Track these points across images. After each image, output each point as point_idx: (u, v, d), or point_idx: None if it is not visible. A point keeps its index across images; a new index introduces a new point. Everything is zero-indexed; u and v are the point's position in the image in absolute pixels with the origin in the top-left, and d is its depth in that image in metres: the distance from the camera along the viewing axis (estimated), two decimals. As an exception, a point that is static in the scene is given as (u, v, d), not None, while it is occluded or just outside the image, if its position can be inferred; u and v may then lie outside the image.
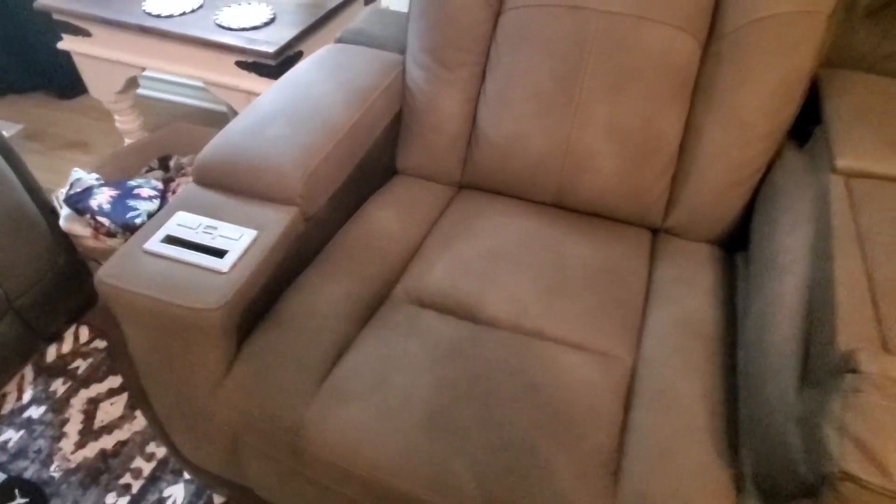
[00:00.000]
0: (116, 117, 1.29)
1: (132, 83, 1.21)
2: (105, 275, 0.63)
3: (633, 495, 0.56)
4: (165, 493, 1.00)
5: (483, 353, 0.68)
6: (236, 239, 0.67)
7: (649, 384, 0.67)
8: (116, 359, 0.75)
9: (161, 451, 1.05)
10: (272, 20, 1.05)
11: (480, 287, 0.76)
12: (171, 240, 0.67)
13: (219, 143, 0.76)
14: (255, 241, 0.67)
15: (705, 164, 0.82)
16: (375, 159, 0.91)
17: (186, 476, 1.02)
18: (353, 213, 0.87)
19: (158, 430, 0.81)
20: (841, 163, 0.69)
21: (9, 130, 1.70)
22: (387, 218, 0.86)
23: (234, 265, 0.64)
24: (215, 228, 0.68)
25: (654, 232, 0.91)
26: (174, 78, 1.66)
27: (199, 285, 0.62)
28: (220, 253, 0.65)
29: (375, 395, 0.63)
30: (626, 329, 0.74)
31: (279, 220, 0.70)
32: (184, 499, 0.99)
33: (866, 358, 0.46)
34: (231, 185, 0.73)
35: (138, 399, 0.77)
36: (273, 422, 0.64)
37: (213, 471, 0.84)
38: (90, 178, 1.04)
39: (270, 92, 0.84)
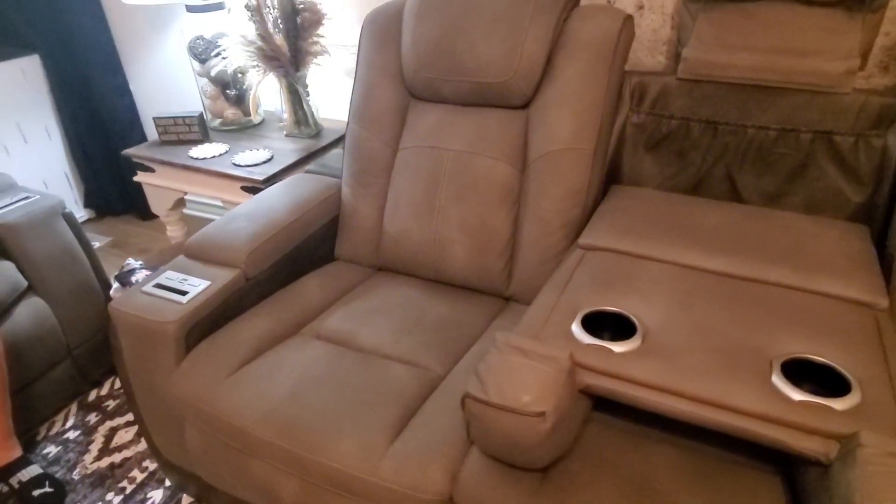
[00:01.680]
0: (168, 228, 1.81)
1: (180, 203, 1.73)
2: (115, 303, 1.05)
3: (397, 453, 0.86)
4: (149, 496, 1.32)
5: (343, 363, 1.02)
6: (196, 286, 1.08)
7: (448, 389, 0.97)
8: (117, 364, 1.13)
9: (152, 465, 1.39)
10: (270, 160, 1.56)
11: (358, 328, 1.11)
12: (158, 286, 1.09)
13: (201, 232, 1.20)
14: (206, 287, 1.08)
15: (526, 249, 1.17)
16: (315, 248, 1.32)
17: (167, 483, 1.34)
18: (291, 281, 1.26)
19: (141, 425, 1.17)
20: (582, 241, 1.02)
21: (101, 241, 2.30)
22: (313, 286, 1.25)
23: (190, 300, 1.04)
24: (186, 280, 1.10)
25: (507, 299, 1.23)
26: (209, 201, 2.22)
27: (165, 310, 1.02)
28: (183, 293, 1.06)
29: (261, 383, 0.98)
30: (448, 355, 1.05)
31: (225, 276, 1.11)
32: (161, 499, 1.31)
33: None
34: (203, 255, 1.16)
35: (128, 397, 1.14)
36: (197, 399, 0.99)
37: (175, 462, 1.17)
38: (136, 264, 1.52)
39: (246, 203, 1.29)
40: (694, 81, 1.17)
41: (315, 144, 1.64)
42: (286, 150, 1.62)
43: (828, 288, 0.89)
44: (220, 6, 1.66)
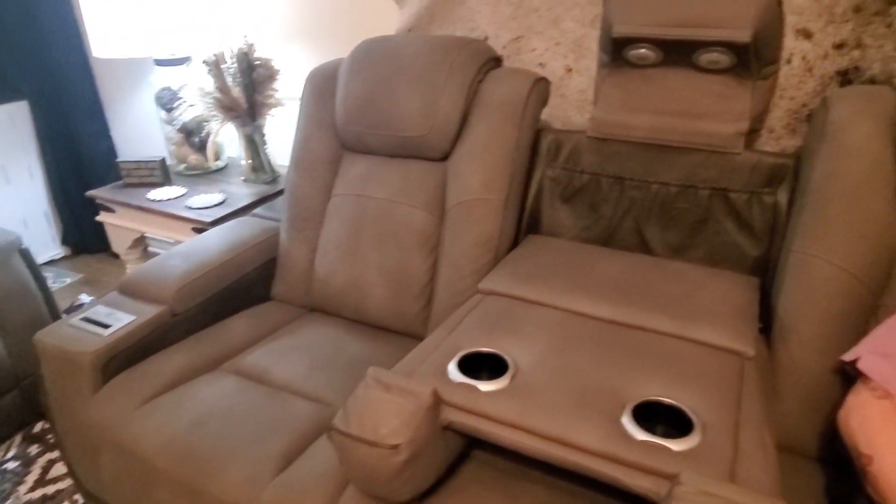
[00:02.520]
0: (128, 265, 1.88)
1: (139, 242, 1.81)
2: (40, 334, 1.11)
3: (280, 485, 0.89)
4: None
5: (250, 397, 1.06)
6: (121, 320, 1.14)
7: (346, 425, 1.00)
8: (41, 393, 1.17)
9: (81, 500, 1.41)
10: (222, 203, 1.64)
11: (273, 364, 1.16)
12: (85, 319, 1.14)
13: (136, 269, 1.27)
14: (130, 321, 1.13)
15: (441, 293, 1.23)
16: (250, 287, 1.39)
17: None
18: (222, 318, 1.32)
19: (63, 454, 1.20)
20: (482, 286, 1.08)
21: (73, 278, 2.38)
22: (241, 324, 1.30)
23: (111, 333, 1.10)
24: (113, 314, 1.15)
25: (423, 340, 1.28)
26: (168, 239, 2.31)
27: (85, 341, 1.08)
28: (106, 326, 1.12)
29: (168, 413, 1.02)
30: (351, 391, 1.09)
31: (151, 311, 1.17)
32: (82, 532, 1.33)
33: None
34: (135, 291, 1.22)
35: (52, 425, 1.18)
36: (108, 427, 1.03)
37: (93, 491, 1.19)
38: (87, 300, 1.58)
39: (185, 243, 1.36)
40: (602, 140, 1.25)
41: (269, 190, 1.73)
42: (241, 194, 1.70)
43: (701, 336, 0.93)
44: (186, 60, 1.79)
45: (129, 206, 1.68)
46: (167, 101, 1.77)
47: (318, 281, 1.35)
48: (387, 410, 0.77)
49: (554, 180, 1.31)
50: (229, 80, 1.62)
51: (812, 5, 1.18)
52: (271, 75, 1.62)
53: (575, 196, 1.30)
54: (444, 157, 1.26)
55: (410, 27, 1.58)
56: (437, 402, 0.80)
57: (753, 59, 1.06)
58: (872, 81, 1.19)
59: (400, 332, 1.28)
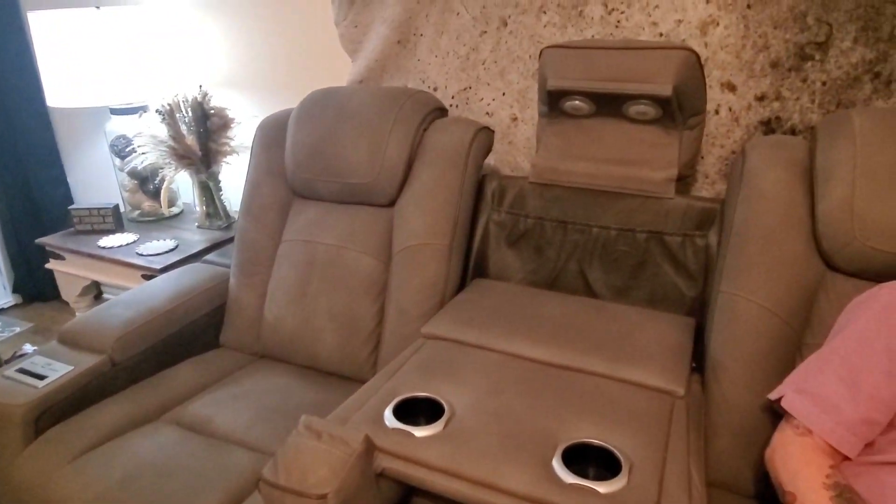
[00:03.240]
0: (77, 314, 1.84)
1: (88, 290, 1.78)
2: (-31, 387, 1.07)
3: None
4: None
5: (188, 449, 1.03)
6: (57, 371, 1.11)
7: (286, 475, 0.98)
8: None
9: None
10: (173, 249, 1.63)
11: (217, 414, 1.14)
12: (21, 370, 1.11)
13: (77, 318, 1.24)
14: (67, 372, 1.11)
15: (388, 338, 1.23)
16: (199, 334, 1.37)
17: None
18: (168, 366, 1.29)
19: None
20: (425, 330, 1.09)
21: (22, 327, 2.31)
22: (187, 372, 1.28)
23: (46, 385, 1.07)
24: (50, 364, 1.13)
25: (374, 387, 1.27)
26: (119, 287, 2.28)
27: (17, 393, 1.05)
28: (42, 377, 1.09)
29: (98, 469, 0.98)
30: (296, 442, 1.07)
31: (89, 361, 1.14)
32: None
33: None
34: (74, 341, 1.20)
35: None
36: (35, 484, 0.99)
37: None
38: (30, 350, 1.54)
39: (131, 290, 1.35)
40: (544, 185, 1.30)
41: (223, 236, 1.73)
42: (194, 240, 1.70)
43: (634, 376, 0.95)
44: (141, 109, 1.81)
45: (78, 253, 1.65)
46: (122, 148, 1.78)
47: (267, 327, 1.34)
48: (315, 459, 0.76)
49: (499, 225, 1.34)
50: (184, 128, 1.64)
51: (734, 61, 1.27)
52: (226, 124, 1.65)
53: (520, 240, 1.33)
54: (391, 203, 1.29)
55: (362, 78, 1.64)
56: (370, 448, 0.80)
57: (677, 111, 1.13)
58: (793, 130, 1.27)
59: (350, 378, 1.27)
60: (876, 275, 0.93)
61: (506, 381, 0.94)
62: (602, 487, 0.73)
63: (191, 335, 1.35)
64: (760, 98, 1.27)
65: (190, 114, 1.63)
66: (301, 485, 0.74)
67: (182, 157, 1.64)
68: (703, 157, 1.37)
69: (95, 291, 1.82)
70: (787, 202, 0.97)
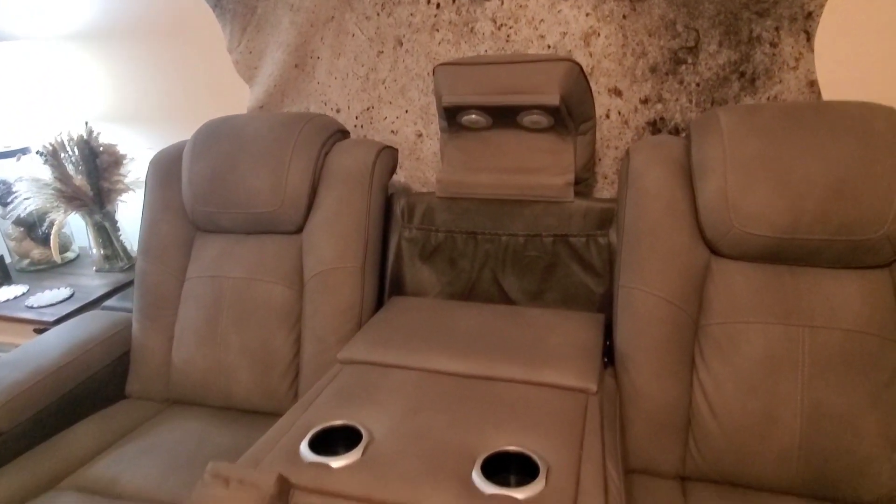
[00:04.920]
0: (-37, 379, 1.67)
1: (-26, 352, 1.62)
2: None
3: None
4: None
5: (91, 517, 0.95)
6: (-70, 449, 0.99)
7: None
8: None
9: None
10: (69, 298, 1.52)
11: (122, 472, 1.06)
12: None
13: (-44, 386, 1.12)
14: (-58, 449, 0.99)
15: (307, 368, 1.20)
16: (101, 387, 1.27)
17: None
18: (66, 426, 1.19)
19: None
20: (341, 356, 1.06)
21: None
22: (88, 431, 1.18)
23: (-83, 466, 0.96)
24: (-79, 443, 1.01)
25: (297, 421, 1.23)
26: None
27: None
28: (-88, 459, 0.97)
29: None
30: (213, 491, 1.01)
31: (-30, 433, 1.03)
32: None
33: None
34: (-49, 413, 1.08)
35: None
36: None
37: None
38: None
39: (17, 349, 1.24)
40: (451, 198, 1.32)
41: (126, 278, 1.63)
42: (93, 286, 1.59)
43: (548, 379, 0.97)
44: (21, 152, 1.68)
45: (-44, 313, 1.50)
46: (2, 195, 1.64)
47: (176, 371, 1.27)
48: (226, 508, 0.72)
49: (411, 241, 1.34)
50: (71, 168, 1.53)
51: (617, 68, 1.34)
52: (117, 161, 1.56)
53: (433, 254, 1.34)
54: (298, 230, 1.26)
55: (262, 104, 1.60)
56: (285, 488, 0.77)
57: (568, 118, 1.18)
58: (677, 129, 1.36)
59: (270, 413, 1.22)
60: (756, 256, 1.01)
61: (424, 399, 0.93)
62: (520, 494, 0.74)
63: (91, 390, 1.25)
64: (644, 101, 1.36)
65: (76, 153, 1.52)
66: (210, 538, 0.70)
67: (72, 198, 1.53)
68: (600, 160, 1.44)
69: (-18, 353, 1.66)
70: (670, 198, 1.03)
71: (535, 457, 0.80)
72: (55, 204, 1.54)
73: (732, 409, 0.98)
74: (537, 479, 0.76)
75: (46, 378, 1.16)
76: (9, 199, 1.64)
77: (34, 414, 1.13)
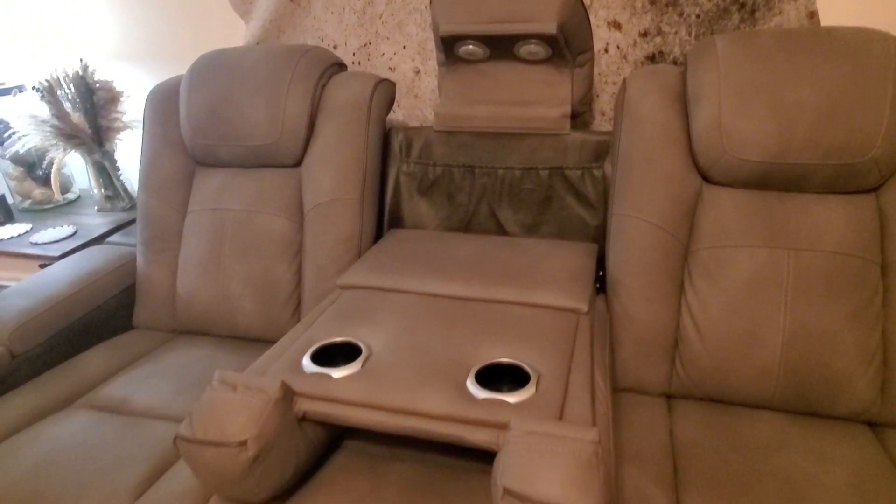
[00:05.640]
0: (-26, 316, 1.71)
1: (-18, 289, 1.66)
2: None
3: None
4: None
5: (104, 429, 1.00)
6: (-51, 368, 1.04)
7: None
8: None
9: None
10: (73, 235, 1.54)
11: (134, 393, 1.10)
12: None
13: (-32, 312, 1.16)
14: (-39, 368, 1.04)
15: (308, 297, 1.23)
16: (108, 318, 1.31)
17: None
18: (76, 353, 1.24)
19: None
20: (340, 281, 1.10)
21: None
22: (98, 357, 1.23)
23: (-63, 383, 1.00)
24: (-60, 363, 1.05)
25: (300, 348, 1.27)
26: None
27: None
28: (-68, 377, 1.02)
29: (7, 461, 0.94)
30: (221, 408, 1.06)
31: (-14, 354, 1.08)
32: None
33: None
34: (-34, 336, 1.12)
35: None
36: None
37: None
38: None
39: (24, 279, 1.27)
40: (448, 132, 1.32)
41: (128, 217, 1.65)
42: (95, 224, 1.61)
43: (542, 300, 1.01)
44: (16, 89, 1.67)
45: (-38, 249, 1.53)
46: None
47: (182, 302, 1.31)
48: (232, 410, 0.77)
49: (409, 175, 1.36)
50: (67, 105, 1.53)
51: (617, 0, 1.33)
52: (113, 98, 1.55)
53: (431, 188, 1.36)
54: (297, 163, 1.27)
55: (258, 40, 1.58)
56: (288, 394, 0.81)
57: (565, 48, 1.17)
58: (675, 63, 1.35)
59: (274, 342, 1.26)
60: (745, 183, 1.03)
61: (421, 319, 0.97)
62: (512, 398, 0.78)
63: (100, 320, 1.29)
64: (644, 34, 1.34)
65: (73, 90, 1.52)
66: (219, 436, 0.75)
67: (70, 136, 1.53)
68: (597, 96, 1.44)
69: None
70: (664, 125, 1.04)
71: (526, 367, 0.84)
72: (54, 142, 1.54)
73: (718, 329, 1.02)
74: (528, 386, 0.80)
75: (56, 306, 1.19)
76: (5, 138, 1.64)
77: (45, 339, 1.17)
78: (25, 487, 0.90)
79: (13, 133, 1.54)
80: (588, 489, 0.64)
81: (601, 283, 1.17)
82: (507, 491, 0.66)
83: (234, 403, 0.77)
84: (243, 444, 0.74)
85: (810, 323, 0.97)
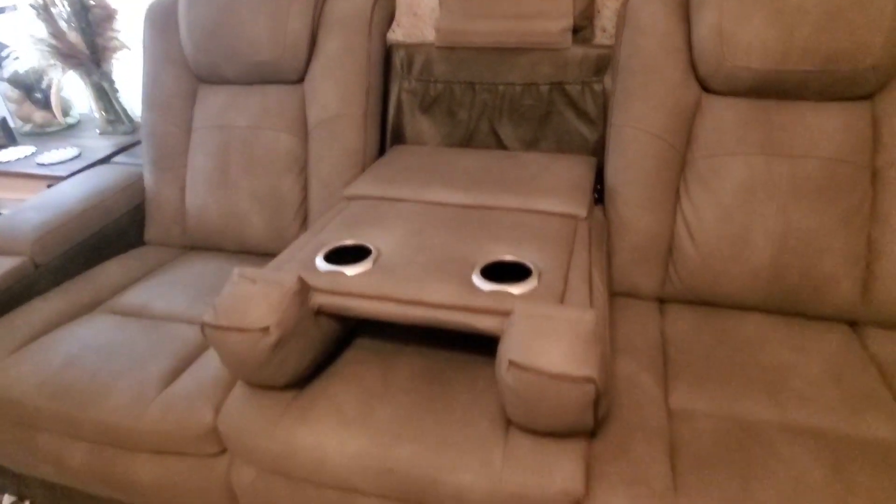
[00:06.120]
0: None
1: (-10, 212, 1.68)
2: None
3: (166, 399, 0.92)
4: (-36, 506, 1.29)
5: (128, 330, 1.06)
6: (-26, 275, 1.08)
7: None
8: None
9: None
10: (77, 156, 1.56)
11: (154, 299, 1.16)
12: (-67, 280, 1.08)
13: (-14, 226, 1.20)
14: (-14, 275, 1.08)
15: (315, 211, 1.27)
16: (121, 234, 1.35)
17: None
18: (92, 266, 1.28)
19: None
20: (347, 192, 1.13)
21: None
22: (114, 268, 1.27)
23: (-35, 288, 1.05)
24: (-36, 272, 1.10)
25: (308, 262, 1.32)
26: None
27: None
28: (-41, 283, 1.06)
29: (40, 357, 1.00)
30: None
31: (9, 264, 1.12)
32: (-22, 507, 1.28)
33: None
34: (-13, 248, 1.16)
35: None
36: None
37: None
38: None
39: (36, 196, 1.30)
40: (449, 49, 1.32)
41: (130, 139, 1.65)
42: (98, 147, 1.62)
43: (543, 206, 1.05)
44: (8, 8, 1.64)
45: (-30, 172, 1.55)
46: (-4, 54, 1.63)
47: (192, 217, 1.34)
48: (253, 299, 0.82)
49: (411, 93, 1.36)
50: (63, 24, 1.51)
51: None
52: (109, 15, 1.53)
53: (432, 105, 1.37)
54: (300, 79, 1.28)
55: (254, -46, 1.54)
56: (304, 288, 0.86)
57: (568, -44, 1.16)
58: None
59: (281, 256, 1.31)
60: (745, 92, 1.04)
61: (427, 224, 1.01)
62: (515, 289, 0.83)
63: (113, 235, 1.33)
64: (648, -56, 1.32)
65: (67, 7, 1.49)
66: (242, 322, 0.80)
67: (67, 56, 1.52)
68: (599, 12, 1.42)
69: (-1, 214, 1.72)
70: (665, 33, 1.04)
71: (528, 263, 0.89)
72: (52, 62, 1.53)
73: (711, 235, 1.06)
74: (530, 279, 0.85)
75: (71, 220, 1.23)
76: (3, 55, 1.62)
77: (63, 252, 1.21)
78: (58, 380, 0.96)
79: (10, 53, 1.53)
80: (586, 361, 0.70)
81: (599, 195, 1.20)
82: (512, 363, 0.71)
83: (255, 294, 0.82)
84: (265, 330, 0.79)
85: (801, 227, 1.02)
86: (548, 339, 0.71)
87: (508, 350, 0.73)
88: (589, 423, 0.74)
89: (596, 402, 0.71)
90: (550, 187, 1.10)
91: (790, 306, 1.07)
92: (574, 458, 0.76)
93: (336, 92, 1.23)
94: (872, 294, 1.02)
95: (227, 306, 0.82)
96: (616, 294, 1.15)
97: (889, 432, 0.82)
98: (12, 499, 1.29)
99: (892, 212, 1.00)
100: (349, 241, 0.96)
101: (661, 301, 1.14)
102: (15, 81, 1.67)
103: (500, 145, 1.35)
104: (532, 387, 0.70)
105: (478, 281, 0.85)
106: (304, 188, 1.28)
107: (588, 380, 0.69)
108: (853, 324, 1.06)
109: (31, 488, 1.17)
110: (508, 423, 0.82)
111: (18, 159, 1.55)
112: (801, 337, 1.01)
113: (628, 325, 1.05)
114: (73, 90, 1.81)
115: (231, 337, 0.80)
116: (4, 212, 1.84)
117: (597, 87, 1.26)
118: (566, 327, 0.72)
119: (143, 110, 1.36)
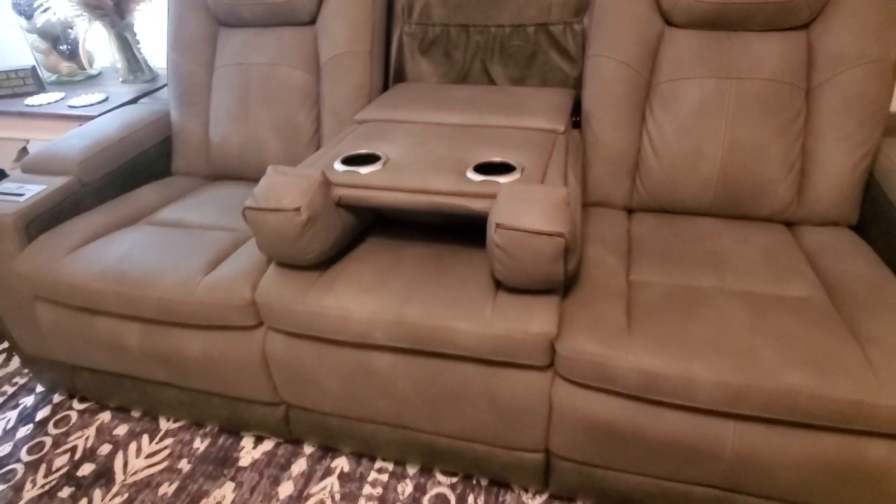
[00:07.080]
0: (17, 181, 1.89)
1: (23, 153, 1.83)
2: (-45, 207, 1.19)
3: (210, 280, 1.09)
4: (20, 402, 1.46)
5: (170, 235, 1.23)
6: (32, 190, 1.24)
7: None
8: None
9: (23, 380, 1.52)
10: (105, 100, 1.70)
11: (188, 215, 1.32)
12: (1, 192, 1.24)
13: (33, 152, 1.35)
14: (42, 189, 1.24)
15: (327, 137, 1.43)
16: (151, 164, 1.51)
17: (38, 389, 1.48)
18: (128, 190, 1.44)
19: (2, 326, 1.32)
20: (357, 117, 1.30)
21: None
22: (149, 191, 1.44)
23: (27, 199, 1.21)
24: (23, 186, 1.26)
25: (321, 187, 1.49)
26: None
27: (4, 207, 1.18)
28: (21, 195, 1.22)
29: (97, 253, 1.17)
30: (262, 222, 1.29)
31: (60, 181, 1.28)
32: (33, 402, 1.46)
33: (281, 172, 1.03)
34: (38, 168, 1.32)
35: (-17, 298, 1.28)
36: (39, 272, 1.16)
37: (36, 353, 1.33)
38: None
39: (76, 128, 1.45)
40: (446, -7, 1.48)
41: (151, 87, 1.80)
42: (122, 92, 1.76)
43: (526, 123, 1.22)
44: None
45: (6, 114, 1.69)
46: (25, 6, 1.76)
47: (215, 148, 1.50)
48: (286, 187, 0.99)
49: (411, 35, 1.52)
50: (89, -24, 1.65)
51: None
52: (133, -33, 1.67)
53: (431, 47, 1.52)
54: (312, 21, 1.43)
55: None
56: (327, 181, 1.03)
57: None
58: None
59: (297, 181, 1.48)
60: (700, 24, 1.21)
61: (428, 138, 1.18)
62: (502, 179, 1.01)
63: (144, 164, 1.49)
64: None
65: (93, -40, 1.63)
66: (278, 204, 0.97)
67: (94, 7, 1.66)
68: (579, -39, 1.58)
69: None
70: (632, -30, 1.21)
71: (513, 161, 1.06)
72: (79, 13, 1.67)
73: (671, 149, 1.24)
74: (514, 172, 1.03)
75: (111, 146, 1.39)
76: (33, 10, 1.75)
77: (106, 173, 1.37)
78: (117, 268, 1.13)
79: (41, 5, 1.66)
80: (557, 221, 0.88)
81: (577, 124, 1.37)
82: (499, 225, 0.89)
83: (288, 182, 0.99)
84: (297, 209, 0.97)
85: (744, 138, 1.20)
86: (527, 206, 0.89)
87: (496, 216, 0.90)
88: (560, 275, 0.92)
89: (566, 255, 0.89)
90: (534, 110, 1.27)
91: (735, 209, 1.25)
92: (549, 308, 0.95)
93: (345, 30, 1.39)
94: (805, 195, 1.21)
95: (265, 193, 0.99)
96: (590, 204, 1.33)
97: (806, 292, 1.01)
98: (62, 396, 1.47)
99: (823, 124, 1.18)
100: (362, 150, 1.13)
101: (629, 211, 1.32)
102: (44, 33, 1.81)
103: (492, 83, 1.51)
104: (514, 242, 0.88)
105: (471, 175, 1.03)
106: (317, 119, 1.44)
107: (559, 234, 0.87)
108: (789, 224, 1.24)
109: (82, 381, 1.35)
110: (497, 287, 1.00)
111: (50, 104, 1.70)
112: (744, 231, 1.20)
113: (599, 226, 1.23)
114: (94, 46, 1.94)
115: (269, 217, 0.97)
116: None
117: (577, 27, 1.42)
118: (542, 196, 0.90)
119: (169, 52, 1.51)
